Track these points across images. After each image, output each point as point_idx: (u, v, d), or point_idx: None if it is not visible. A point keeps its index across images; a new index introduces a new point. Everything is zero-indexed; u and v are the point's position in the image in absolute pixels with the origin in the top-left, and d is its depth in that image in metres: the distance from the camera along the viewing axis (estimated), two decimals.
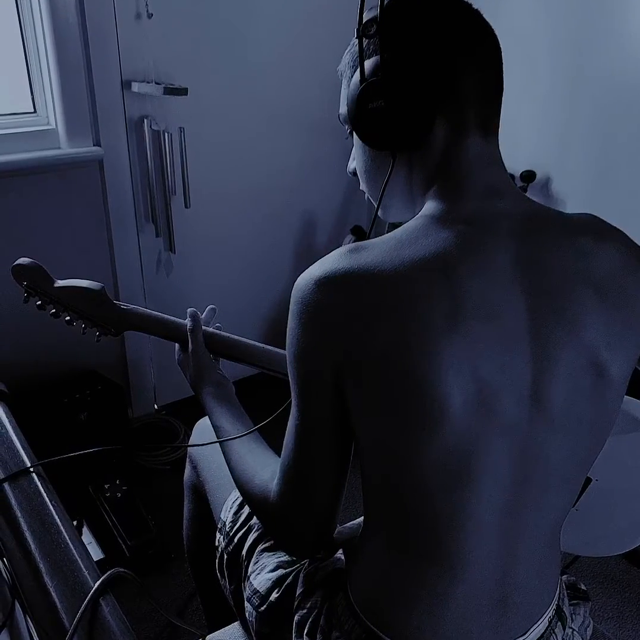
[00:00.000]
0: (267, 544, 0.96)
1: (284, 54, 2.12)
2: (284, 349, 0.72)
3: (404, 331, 0.62)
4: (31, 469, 0.97)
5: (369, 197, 0.81)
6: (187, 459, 1.22)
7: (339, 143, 2.14)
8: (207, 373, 1.02)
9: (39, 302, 1.05)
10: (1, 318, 1.85)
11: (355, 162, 0.81)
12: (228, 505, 1.04)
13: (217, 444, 0.93)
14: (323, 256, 0.68)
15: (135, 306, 1.08)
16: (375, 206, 0.78)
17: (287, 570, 0.91)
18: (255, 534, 0.98)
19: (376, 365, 0.64)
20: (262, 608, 0.89)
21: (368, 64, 0.69)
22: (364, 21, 0.68)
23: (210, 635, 1.05)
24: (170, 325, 1.07)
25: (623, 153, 1.89)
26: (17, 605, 0.85)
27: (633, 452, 1.09)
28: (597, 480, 1.09)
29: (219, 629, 1.07)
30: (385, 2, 0.67)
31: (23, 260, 1.03)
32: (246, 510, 1.01)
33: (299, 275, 0.68)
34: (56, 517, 0.89)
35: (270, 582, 0.90)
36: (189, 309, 1.05)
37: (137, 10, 1.79)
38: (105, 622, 0.75)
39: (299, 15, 2.10)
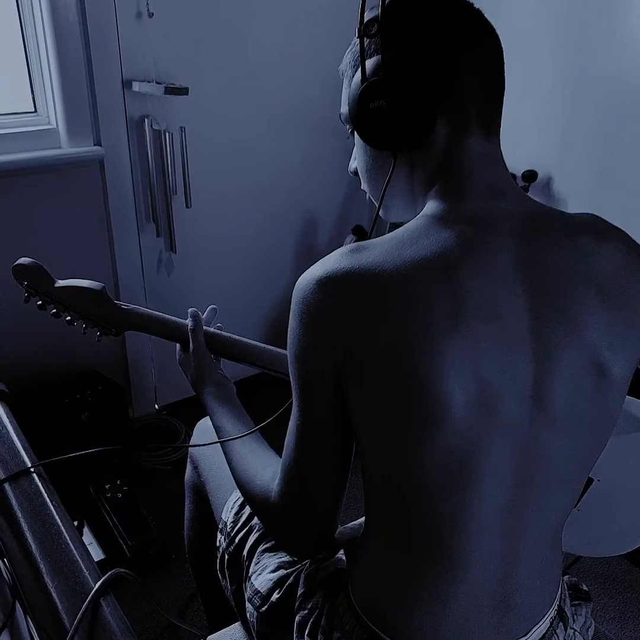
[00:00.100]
0: (268, 545, 0.96)
1: (285, 54, 2.12)
2: (285, 349, 0.72)
3: (405, 331, 0.62)
4: (32, 469, 0.97)
5: (370, 197, 0.81)
6: (188, 459, 1.22)
7: (340, 143, 2.15)
8: (208, 373, 1.02)
9: (40, 302, 1.05)
10: (2, 318, 1.85)
11: (356, 161, 0.81)
12: (229, 505, 1.04)
13: (218, 444, 0.93)
14: (324, 256, 0.68)
15: (136, 306, 1.08)
16: (377, 206, 0.78)
17: (288, 570, 0.90)
18: (256, 535, 0.97)
19: (377, 365, 0.64)
20: (263, 608, 0.89)
21: (369, 63, 0.68)
22: (365, 20, 0.68)
23: (211, 636, 1.05)
24: (171, 325, 1.07)
25: (625, 153, 1.88)
26: (18, 606, 0.85)
27: (635, 452, 1.09)
28: (598, 480, 1.09)
29: (220, 630, 1.07)
30: (387, 1, 0.67)
31: (24, 260, 1.03)
32: (247, 510, 1.01)
33: (300, 275, 0.68)
34: (57, 517, 0.89)
35: (272, 582, 0.90)
36: (190, 309, 1.05)
37: (138, 10, 1.79)
38: (106, 622, 0.75)
39: (300, 14, 2.10)
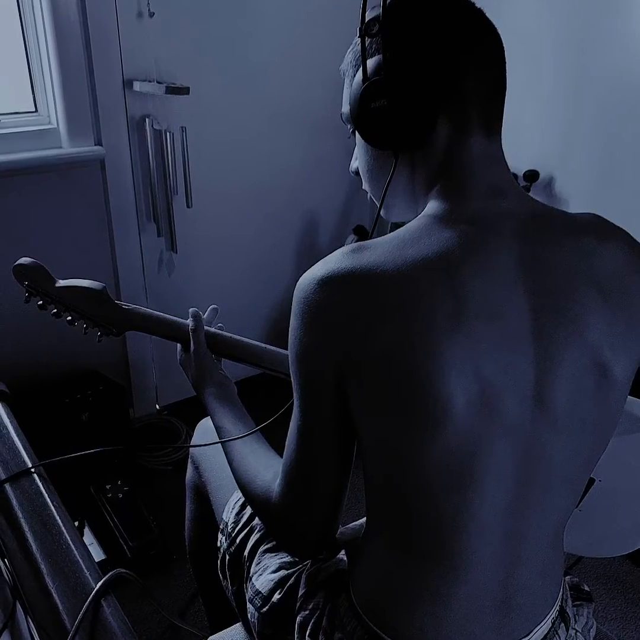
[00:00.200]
0: (269, 545, 0.96)
1: (286, 53, 2.12)
2: (286, 349, 0.72)
3: (406, 331, 0.62)
4: (32, 470, 0.97)
5: (372, 197, 0.81)
6: (189, 460, 1.22)
7: (341, 142, 2.15)
8: (209, 373, 1.02)
9: (40, 302, 1.05)
10: (2, 318, 1.85)
11: (357, 161, 0.81)
12: (230, 505, 1.04)
13: (219, 444, 0.93)
14: (325, 256, 0.67)
15: (137, 306, 1.08)
16: (378, 206, 0.78)
17: (289, 571, 0.90)
18: (257, 535, 0.97)
19: (379, 365, 0.64)
20: (264, 609, 0.89)
21: (370, 63, 0.68)
22: (366, 20, 0.68)
23: (212, 636, 1.05)
24: (172, 325, 1.06)
25: (627, 153, 1.88)
26: (19, 606, 0.85)
27: (636, 452, 1.08)
28: (600, 480, 1.09)
29: (221, 630, 1.07)
30: (388, 1, 0.67)
31: (24, 260, 1.03)
32: (248, 511, 1.01)
33: (301, 275, 0.68)
34: (57, 517, 0.89)
35: (273, 583, 0.90)
36: (190, 309, 1.05)
37: (139, 9, 1.79)
38: (106, 623, 0.75)
39: (301, 14, 2.10)
